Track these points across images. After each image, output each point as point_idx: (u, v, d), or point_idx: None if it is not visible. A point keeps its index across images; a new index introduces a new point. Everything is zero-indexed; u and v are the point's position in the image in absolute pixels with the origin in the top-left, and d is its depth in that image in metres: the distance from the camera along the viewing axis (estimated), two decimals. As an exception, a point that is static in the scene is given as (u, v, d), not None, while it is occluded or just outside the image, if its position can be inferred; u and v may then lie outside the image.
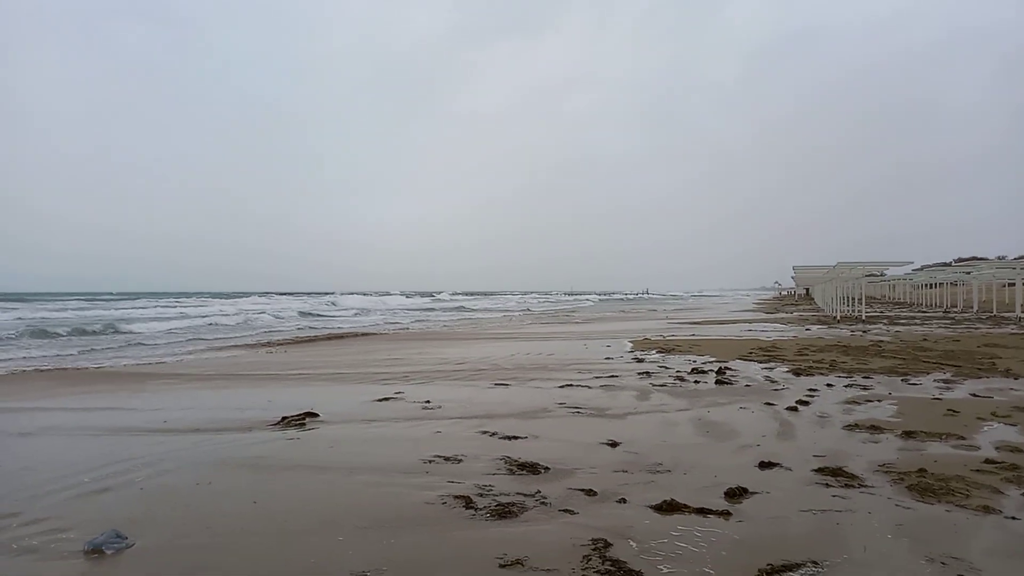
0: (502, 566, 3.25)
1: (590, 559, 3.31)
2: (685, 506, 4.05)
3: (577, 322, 29.68)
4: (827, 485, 4.51)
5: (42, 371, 12.06)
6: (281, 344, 18.37)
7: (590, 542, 3.51)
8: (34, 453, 5.86)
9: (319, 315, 38.61)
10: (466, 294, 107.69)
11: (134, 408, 8.01)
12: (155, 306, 46.78)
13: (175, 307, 45.26)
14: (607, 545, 3.47)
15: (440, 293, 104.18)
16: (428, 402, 7.94)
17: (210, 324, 27.72)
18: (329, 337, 21.01)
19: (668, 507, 4.03)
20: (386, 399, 8.28)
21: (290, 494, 4.54)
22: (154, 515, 4.13)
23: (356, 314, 40.05)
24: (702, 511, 3.98)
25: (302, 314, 38.51)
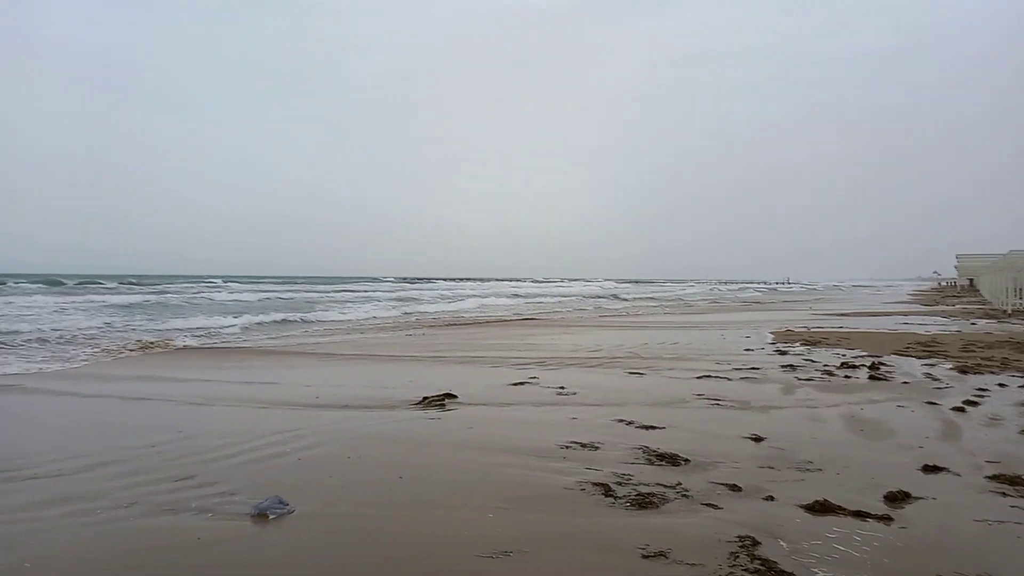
0: (644, 556, 3.20)
1: (737, 556, 3.18)
2: (840, 507, 3.80)
3: (714, 311, 28.76)
4: (1003, 494, 4.10)
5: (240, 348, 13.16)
6: (421, 327, 19.06)
7: (736, 539, 3.38)
8: (207, 421, 6.42)
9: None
10: (617, 281, 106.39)
11: (291, 383, 8.59)
12: (341, 291, 47.12)
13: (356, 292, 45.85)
14: (755, 543, 3.33)
15: (593, 281, 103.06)
16: (562, 388, 7.96)
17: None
18: (473, 322, 21.58)
19: (821, 507, 3.81)
20: (521, 383, 8.39)
21: (433, 471, 4.70)
22: (310, 484, 4.40)
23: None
24: (859, 514, 3.72)
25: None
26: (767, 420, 6.23)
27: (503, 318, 23.31)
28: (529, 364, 10.26)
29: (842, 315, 24.18)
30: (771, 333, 15.79)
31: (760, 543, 3.33)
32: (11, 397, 7.68)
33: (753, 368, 9.58)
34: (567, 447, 5.23)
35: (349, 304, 29.86)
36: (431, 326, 19.23)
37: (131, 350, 12.34)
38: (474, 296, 41.03)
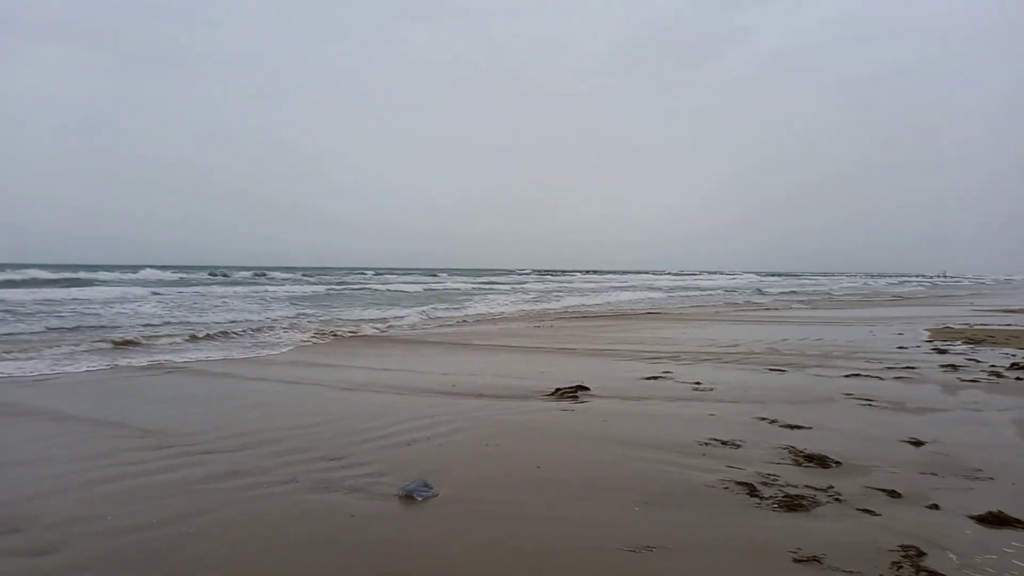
0: (797, 560, 3.06)
1: (900, 566, 2.98)
2: (1018, 521, 3.47)
3: (861, 306, 26.99)
4: None
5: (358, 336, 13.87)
6: (548, 319, 19.18)
7: (899, 548, 3.17)
8: (352, 406, 6.78)
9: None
10: (759, 274, 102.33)
11: (427, 371, 8.91)
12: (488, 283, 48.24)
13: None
14: (920, 554, 3.10)
15: (735, 274, 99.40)
16: (699, 383, 7.76)
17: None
18: (602, 315, 21.49)
19: (995, 520, 3.49)
20: (654, 377, 8.25)
21: (571, 463, 4.73)
22: (451, 470, 4.55)
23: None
24: (1042, 529, 3.38)
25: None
26: (926, 423, 5.78)
27: (634, 311, 23.00)
28: (662, 358, 10.07)
29: (1009, 311, 21.98)
30: (926, 330, 14.61)
31: (926, 553, 3.11)
32: (196, 379, 8.43)
33: (908, 367, 8.91)
34: (707, 444, 5.10)
35: (497, 295, 31.09)
36: (559, 318, 19.29)
37: (322, 336, 13.20)
38: (617, 288, 40.96)
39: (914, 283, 66.53)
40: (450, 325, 16.76)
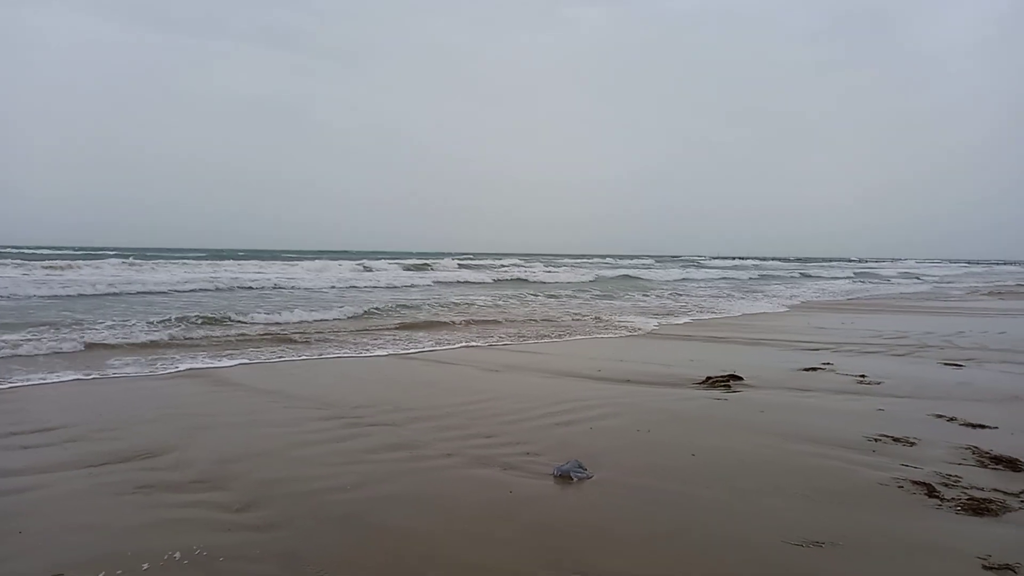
0: (986, 567, 2.85)
1: (1113, 584, 2.70)
2: None
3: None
4: None
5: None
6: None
7: (1109, 563, 2.86)
8: (502, 386, 6.98)
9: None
10: (917, 260, 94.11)
11: (571, 354, 9.00)
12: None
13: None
14: None
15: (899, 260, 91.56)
16: (863, 376, 7.31)
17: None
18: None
19: None
20: (813, 368, 7.87)
21: (727, 452, 4.63)
22: (605, 452, 4.59)
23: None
24: None
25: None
26: None
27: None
28: (821, 348, 9.58)
29: None
30: None
31: None
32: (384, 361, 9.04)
33: (1114, 365, 7.93)
34: (876, 440, 4.81)
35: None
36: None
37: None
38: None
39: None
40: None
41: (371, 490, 3.88)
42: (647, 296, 21.53)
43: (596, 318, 14.25)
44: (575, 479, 4.05)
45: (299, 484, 3.97)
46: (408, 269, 33.25)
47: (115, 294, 17.04)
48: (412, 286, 24.47)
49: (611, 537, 3.24)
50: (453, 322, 12.83)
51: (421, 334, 11.12)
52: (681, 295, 22.34)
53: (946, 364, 8.20)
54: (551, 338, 10.95)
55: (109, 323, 10.95)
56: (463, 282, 27.89)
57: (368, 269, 31.48)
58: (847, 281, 35.45)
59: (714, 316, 15.20)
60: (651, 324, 13.18)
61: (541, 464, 4.33)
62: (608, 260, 64.49)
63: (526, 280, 30.91)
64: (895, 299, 22.26)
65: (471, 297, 18.93)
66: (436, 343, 10.07)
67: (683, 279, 35.39)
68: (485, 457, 4.50)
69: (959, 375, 7.50)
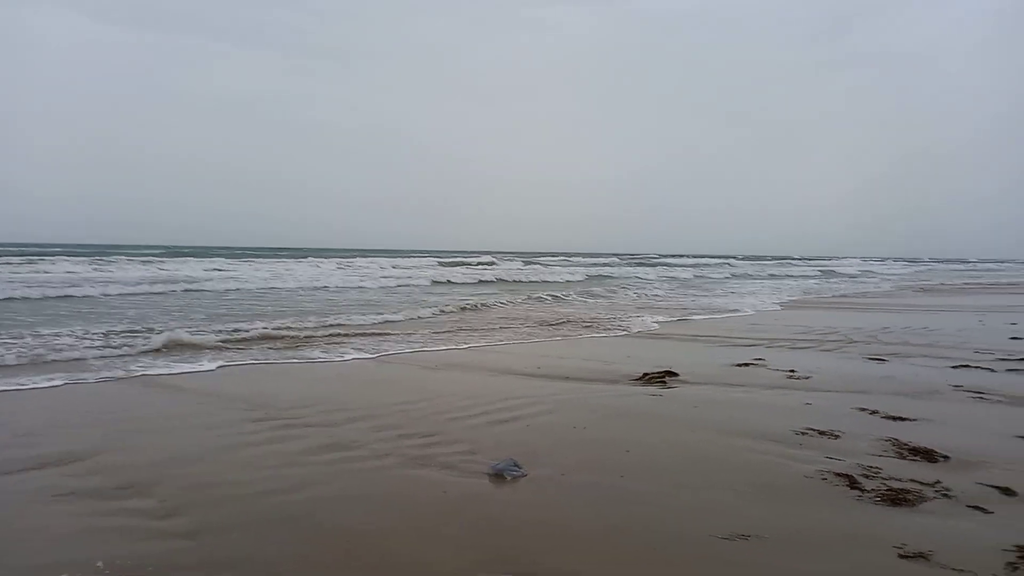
0: (902, 556, 2.96)
1: (1016, 567, 2.84)
2: None
3: (968, 293, 25.43)
4: None
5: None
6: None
7: (1014, 548, 3.01)
8: (443, 385, 6.94)
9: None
10: (862, 258, 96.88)
11: (512, 352, 9.02)
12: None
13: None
14: (1039, 556, 2.94)
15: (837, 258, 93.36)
16: (793, 371, 7.53)
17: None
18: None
19: None
20: (746, 364, 8.07)
21: (660, 448, 4.72)
22: (541, 450, 4.61)
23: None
24: None
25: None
26: (1045, 419, 5.43)
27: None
28: (755, 344, 9.83)
29: None
30: (1045, 319, 13.64)
31: (1046, 557, 2.94)
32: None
33: (1023, 359, 8.36)
34: (803, 433, 4.97)
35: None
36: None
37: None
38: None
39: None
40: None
41: (305, 492, 3.80)
42: (614, 294, 21.60)
43: (552, 321, 14.33)
44: (509, 477, 4.05)
45: (229, 488, 3.86)
46: (385, 269, 32.39)
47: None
48: (384, 288, 23.65)
49: (548, 534, 3.25)
50: (402, 322, 12.71)
51: (365, 337, 10.97)
52: (642, 294, 22.34)
53: (871, 359, 8.52)
54: (502, 337, 10.95)
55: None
56: (442, 281, 26.92)
57: (342, 267, 31.20)
58: (814, 281, 35.81)
59: (668, 316, 15.44)
60: (610, 322, 13.32)
61: (477, 463, 4.32)
62: (600, 258, 65.26)
63: (507, 280, 29.75)
64: (851, 297, 23.06)
65: (435, 298, 18.70)
66: (381, 343, 9.95)
67: (655, 278, 34.40)
68: (423, 457, 4.46)
69: (883, 369, 7.80)
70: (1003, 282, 34.51)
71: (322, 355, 8.61)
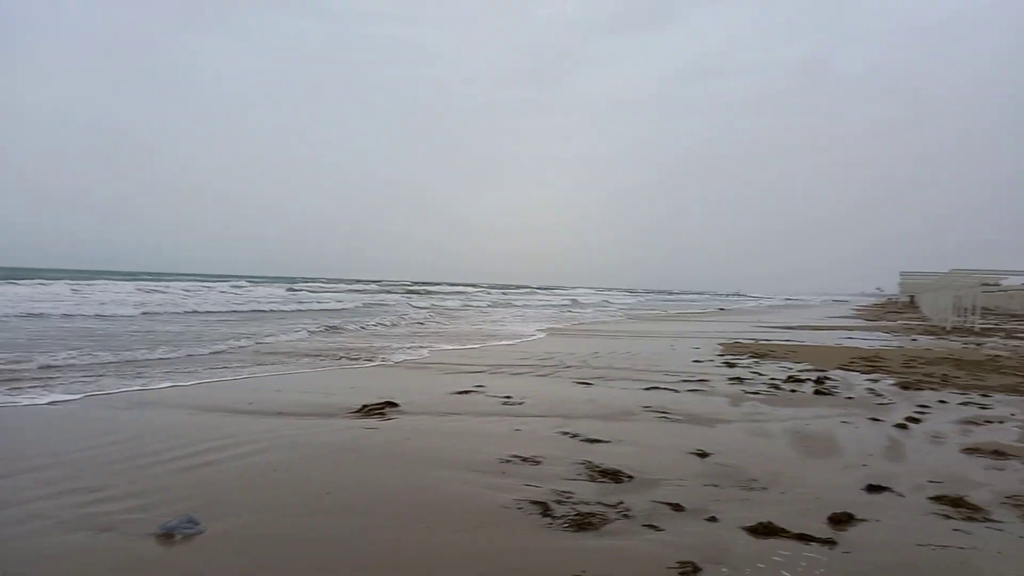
0: (580, 584, 3.00)
1: (677, 584, 3.01)
2: (784, 530, 3.67)
3: (666, 321, 28.95)
4: (946, 516, 4.02)
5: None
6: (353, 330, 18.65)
7: (677, 564, 3.21)
8: (133, 426, 6.00)
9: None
10: (596, 289, 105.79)
11: (224, 387, 8.21)
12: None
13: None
14: (696, 569, 3.16)
15: (574, 289, 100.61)
16: (509, 397, 7.75)
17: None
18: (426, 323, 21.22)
19: (764, 530, 3.67)
20: (467, 391, 8.15)
21: (364, 486, 4.45)
22: (229, 500, 4.10)
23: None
24: (803, 537, 3.59)
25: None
26: (714, 435, 6.11)
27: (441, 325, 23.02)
28: (480, 371, 10.04)
29: (789, 328, 24.56)
30: (720, 345, 15.87)
31: (701, 569, 3.17)
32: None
33: (701, 380, 9.52)
34: (508, 461, 5.02)
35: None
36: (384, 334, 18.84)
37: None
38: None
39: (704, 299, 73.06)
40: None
41: None
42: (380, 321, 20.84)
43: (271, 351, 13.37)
44: (179, 536, 3.49)
45: None
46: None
47: None
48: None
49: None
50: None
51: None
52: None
53: (579, 383, 9.11)
54: (218, 369, 9.91)
55: None
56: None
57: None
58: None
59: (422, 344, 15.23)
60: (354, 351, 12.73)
61: (146, 522, 3.68)
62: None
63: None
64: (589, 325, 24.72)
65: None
66: (78, 379, 8.45)
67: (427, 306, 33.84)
68: (80, 518, 3.71)
69: (588, 392, 8.36)
70: (693, 311, 40.00)
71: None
